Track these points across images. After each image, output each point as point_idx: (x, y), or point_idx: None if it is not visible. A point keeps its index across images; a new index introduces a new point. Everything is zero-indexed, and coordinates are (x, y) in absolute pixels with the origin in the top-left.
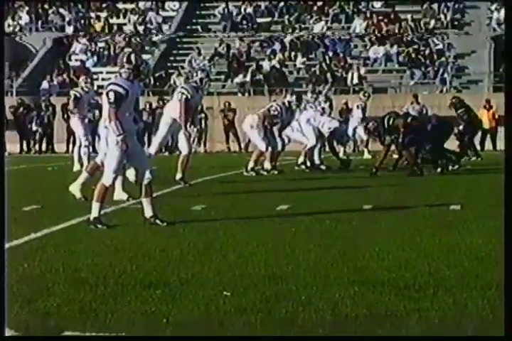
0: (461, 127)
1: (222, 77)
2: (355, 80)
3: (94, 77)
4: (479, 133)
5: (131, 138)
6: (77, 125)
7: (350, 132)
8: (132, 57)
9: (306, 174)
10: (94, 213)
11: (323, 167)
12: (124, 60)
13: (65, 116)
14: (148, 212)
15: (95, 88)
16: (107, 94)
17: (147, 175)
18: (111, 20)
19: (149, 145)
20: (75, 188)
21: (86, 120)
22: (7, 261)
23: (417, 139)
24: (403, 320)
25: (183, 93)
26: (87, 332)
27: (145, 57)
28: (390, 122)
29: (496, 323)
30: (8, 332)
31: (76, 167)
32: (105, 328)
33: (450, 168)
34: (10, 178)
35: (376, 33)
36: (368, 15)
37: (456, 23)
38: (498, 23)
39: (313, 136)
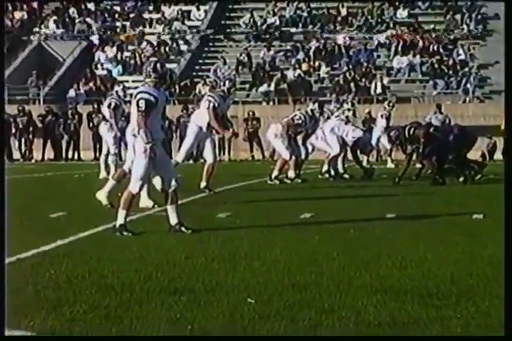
0: None
1: (247, 86)
2: (379, 90)
3: (120, 85)
4: (502, 143)
5: (158, 146)
6: (107, 133)
7: (373, 141)
8: (158, 66)
9: (330, 183)
10: (120, 220)
11: (346, 176)
12: (150, 69)
13: (91, 124)
14: (173, 220)
15: (122, 96)
16: (138, 102)
17: (173, 182)
18: (137, 29)
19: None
20: (101, 195)
21: (116, 128)
22: (34, 267)
23: (438, 149)
24: (426, 329)
25: (210, 101)
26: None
27: (171, 66)
28: (411, 132)
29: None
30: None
31: (102, 174)
32: (130, 334)
33: (474, 178)
34: (37, 185)
35: (400, 43)
36: (392, 25)
37: (479, 34)
38: None
39: (337, 145)
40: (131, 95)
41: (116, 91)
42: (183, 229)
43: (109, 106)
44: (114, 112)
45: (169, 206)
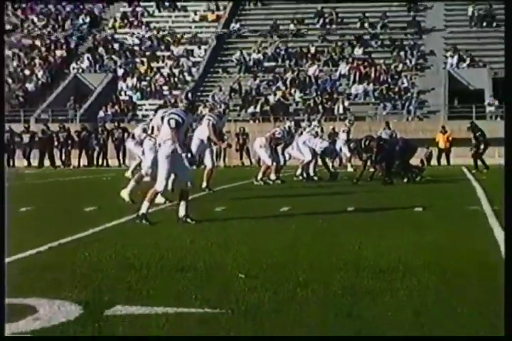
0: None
1: (238, 108)
2: (341, 111)
3: (139, 108)
4: (436, 152)
5: (177, 155)
6: (135, 147)
7: (337, 151)
8: (189, 95)
9: (303, 183)
10: (143, 210)
11: (316, 178)
12: (183, 96)
13: (113, 137)
14: (181, 212)
15: (140, 117)
16: (169, 121)
17: (188, 184)
18: (152, 64)
19: None
20: (124, 193)
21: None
22: (72, 250)
23: (387, 156)
24: (378, 297)
25: (209, 119)
26: (133, 306)
27: (178, 92)
28: (366, 143)
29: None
30: (72, 306)
31: (127, 174)
32: (147, 303)
33: (415, 179)
34: (74, 186)
35: (357, 74)
36: (351, 60)
37: (418, 67)
38: (451, 67)
39: (309, 154)
40: (144, 115)
41: (151, 119)
42: (188, 220)
43: (144, 130)
44: (145, 133)
45: (181, 201)
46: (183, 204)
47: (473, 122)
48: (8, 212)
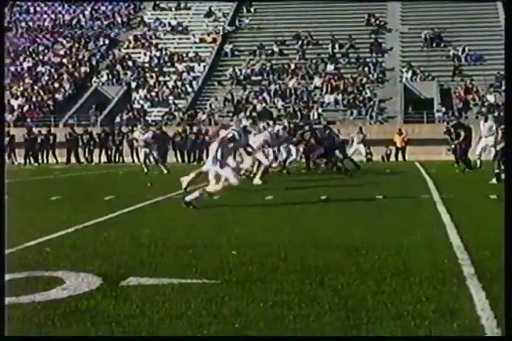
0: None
1: (231, 114)
2: (316, 116)
3: (149, 114)
4: (394, 150)
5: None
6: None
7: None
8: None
9: (284, 177)
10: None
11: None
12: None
13: (128, 139)
14: (188, 198)
15: (149, 122)
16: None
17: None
18: (159, 78)
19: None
20: (184, 180)
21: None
22: (93, 232)
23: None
24: (345, 269)
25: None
26: (144, 277)
27: (181, 101)
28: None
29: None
30: (93, 278)
31: (145, 170)
32: (155, 274)
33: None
34: (96, 179)
35: (328, 86)
36: (324, 74)
37: (379, 80)
38: (406, 80)
39: (295, 153)
40: (153, 121)
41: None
42: (190, 206)
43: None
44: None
45: (198, 189)
46: (196, 192)
47: (447, 127)
48: (40, 201)
